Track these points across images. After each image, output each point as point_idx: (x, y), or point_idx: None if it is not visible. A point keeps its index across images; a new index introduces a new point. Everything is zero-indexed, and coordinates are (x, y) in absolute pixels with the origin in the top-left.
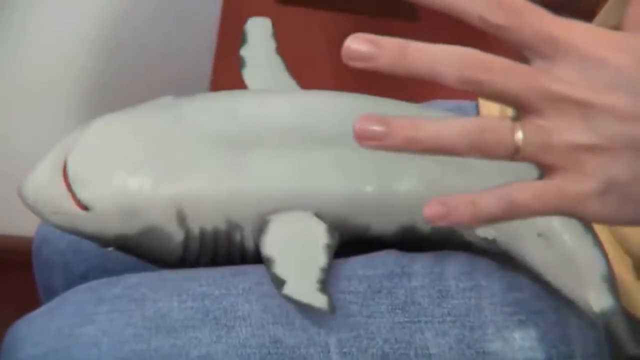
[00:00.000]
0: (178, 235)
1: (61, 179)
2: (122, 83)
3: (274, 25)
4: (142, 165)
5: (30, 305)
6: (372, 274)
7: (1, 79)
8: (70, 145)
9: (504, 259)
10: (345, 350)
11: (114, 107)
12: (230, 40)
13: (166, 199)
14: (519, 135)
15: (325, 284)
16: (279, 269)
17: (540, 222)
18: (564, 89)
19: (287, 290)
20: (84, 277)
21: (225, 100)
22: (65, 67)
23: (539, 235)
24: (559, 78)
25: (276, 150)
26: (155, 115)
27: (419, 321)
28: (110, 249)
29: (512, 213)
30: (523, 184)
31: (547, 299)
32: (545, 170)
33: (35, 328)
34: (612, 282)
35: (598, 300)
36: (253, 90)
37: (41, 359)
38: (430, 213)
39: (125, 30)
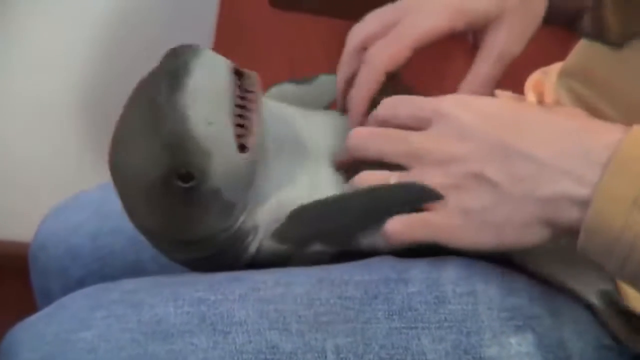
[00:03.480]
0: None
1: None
2: (120, 85)
3: (271, 30)
4: None
5: (27, 310)
6: (369, 280)
7: (1, 82)
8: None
9: (500, 263)
10: (342, 356)
11: (112, 110)
12: (226, 45)
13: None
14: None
15: None
16: None
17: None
18: (425, 144)
19: None
20: (81, 283)
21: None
22: (64, 70)
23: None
24: (423, 136)
25: (293, 160)
26: None
27: (415, 327)
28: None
29: (392, 241)
30: (398, 217)
31: (543, 303)
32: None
33: (32, 333)
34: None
35: (597, 291)
36: (272, 102)
37: None
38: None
39: (122, 34)
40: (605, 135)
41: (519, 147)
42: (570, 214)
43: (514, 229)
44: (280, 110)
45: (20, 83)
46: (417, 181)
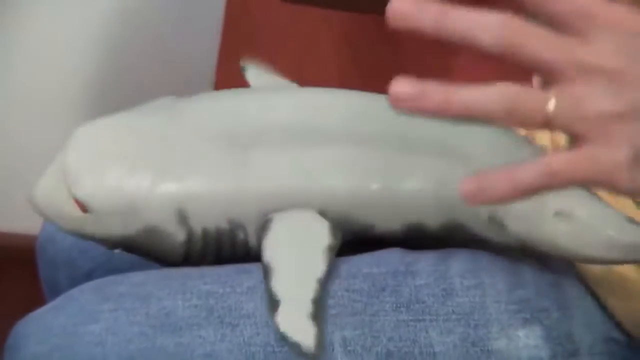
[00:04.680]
0: (180, 236)
1: (64, 183)
2: (125, 84)
3: (280, 24)
4: (140, 164)
5: (35, 303)
6: (377, 272)
7: (5, 77)
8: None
9: (508, 257)
10: (349, 348)
11: (116, 108)
12: (233, 41)
13: (166, 199)
14: (552, 103)
15: (318, 312)
16: (276, 284)
17: (553, 201)
18: (596, 60)
19: (279, 318)
20: (89, 276)
21: (227, 98)
22: (69, 67)
23: (556, 214)
24: (592, 50)
25: (278, 148)
26: (154, 115)
27: (423, 319)
28: (117, 250)
29: (550, 183)
30: (559, 155)
31: (551, 296)
32: (577, 140)
33: (40, 326)
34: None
35: (628, 231)
36: (255, 88)
37: (45, 357)
38: (468, 190)
39: (128, 32)
40: None
41: None
42: None
43: None
44: (262, 97)
45: (26, 77)
46: (588, 100)
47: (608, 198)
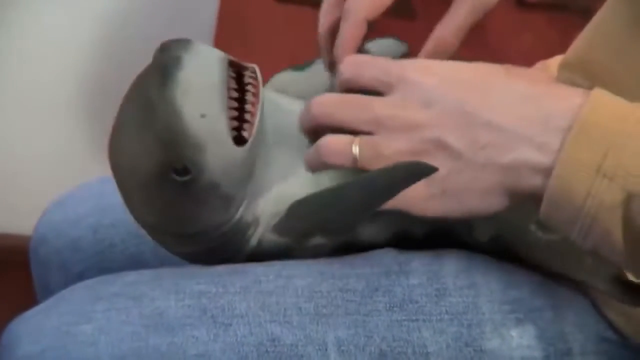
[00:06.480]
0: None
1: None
2: (120, 80)
3: (274, 24)
4: None
5: (27, 304)
6: (370, 272)
7: (1, 78)
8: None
9: (502, 257)
10: (343, 348)
11: (112, 107)
12: (227, 41)
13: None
14: (356, 149)
15: None
16: None
17: (534, 211)
18: (388, 111)
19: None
20: (81, 276)
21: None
22: (65, 67)
23: (537, 223)
24: (387, 103)
25: (294, 151)
26: None
27: (416, 319)
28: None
29: None
30: None
31: (544, 296)
32: None
33: (32, 326)
34: None
35: (605, 276)
36: (272, 93)
37: (38, 357)
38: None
39: (123, 31)
40: (566, 100)
41: (480, 113)
42: (531, 182)
43: (475, 196)
44: (280, 101)
45: (22, 78)
46: (383, 144)
47: None
